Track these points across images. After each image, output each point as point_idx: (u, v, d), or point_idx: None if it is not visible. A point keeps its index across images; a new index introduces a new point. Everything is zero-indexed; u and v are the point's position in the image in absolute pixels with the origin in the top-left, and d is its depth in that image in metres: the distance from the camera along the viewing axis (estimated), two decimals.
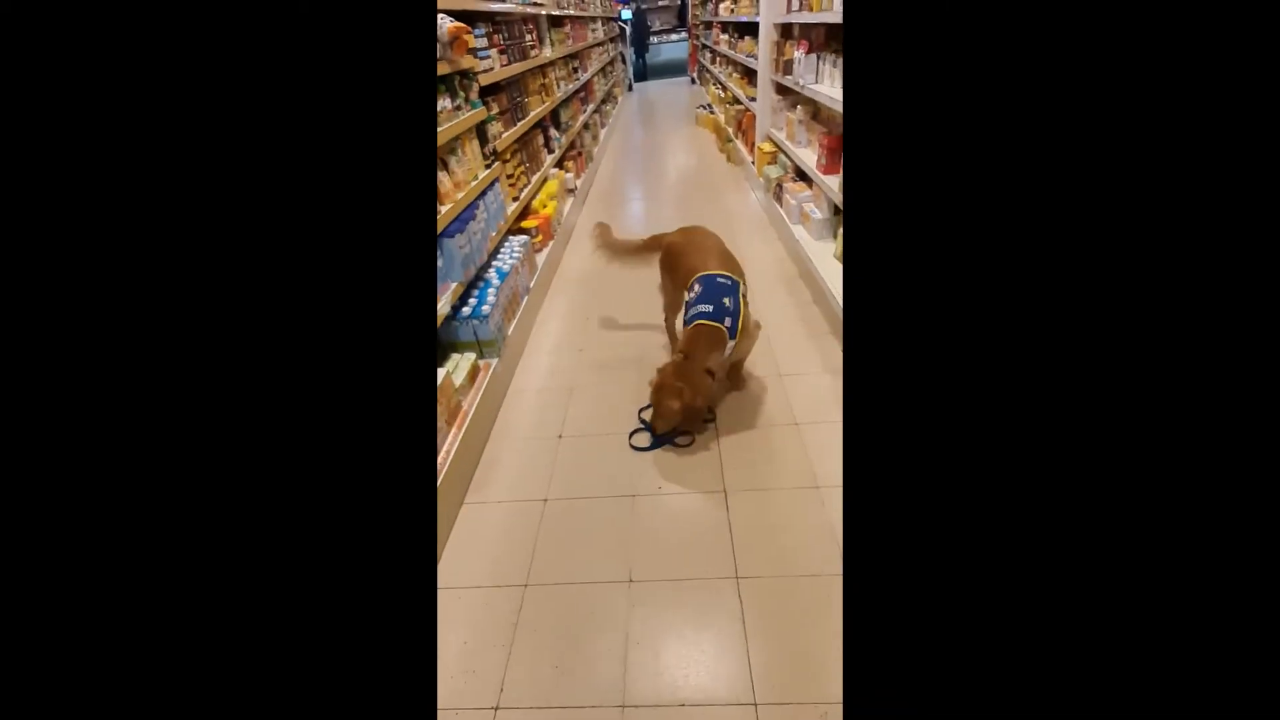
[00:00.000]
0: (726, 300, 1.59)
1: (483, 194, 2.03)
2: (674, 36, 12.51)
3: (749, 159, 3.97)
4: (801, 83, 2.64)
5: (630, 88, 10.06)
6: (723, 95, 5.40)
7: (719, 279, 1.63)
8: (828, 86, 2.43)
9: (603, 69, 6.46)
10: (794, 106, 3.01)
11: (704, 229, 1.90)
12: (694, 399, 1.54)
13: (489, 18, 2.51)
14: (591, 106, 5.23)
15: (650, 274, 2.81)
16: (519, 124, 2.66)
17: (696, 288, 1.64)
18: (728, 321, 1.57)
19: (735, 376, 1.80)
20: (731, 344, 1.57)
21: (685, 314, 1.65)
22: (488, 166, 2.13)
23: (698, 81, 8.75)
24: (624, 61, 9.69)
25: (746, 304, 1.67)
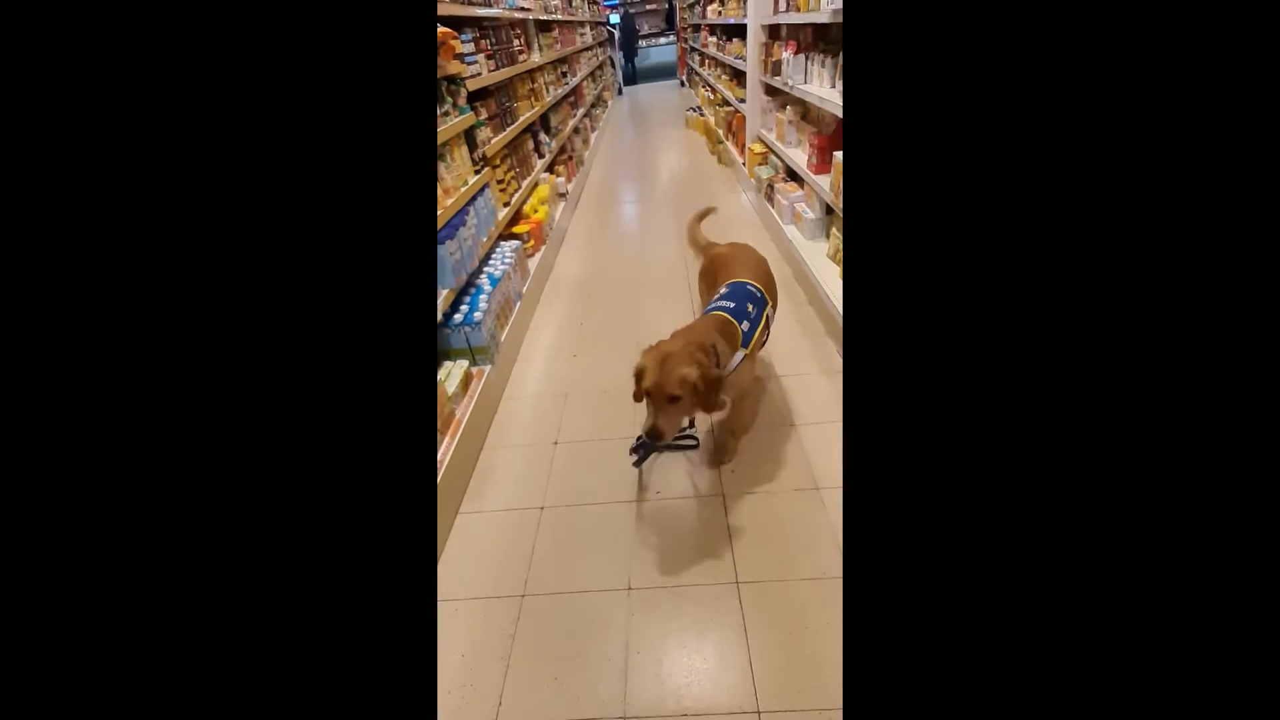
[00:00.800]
0: (750, 307, 1.46)
1: (473, 200, 2.01)
2: (662, 40, 12.56)
3: (740, 160, 3.98)
4: (790, 83, 2.64)
5: (620, 91, 10.08)
6: (712, 97, 5.41)
7: (749, 286, 1.52)
8: (817, 86, 2.43)
9: (591, 73, 6.47)
10: (784, 107, 3.01)
11: (752, 249, 1.77)
12: (709, 370, 1.22)
13: (476, 23, 2.50)
14: (581, 111, 5.23)
15: (643, 278, 2.80)
16: (508, 129, 2.64)
17: (724, 290, 1.53)
18: (745, 325, 1.41)
19: (725, 445, 1.57)
20: (741, 354, 1.38)
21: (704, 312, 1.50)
22: (477, 172, 2.11)
23: (687, 84, 8.78)
24: (613, 66, 9.71)
25: (767, 328, 1.53)
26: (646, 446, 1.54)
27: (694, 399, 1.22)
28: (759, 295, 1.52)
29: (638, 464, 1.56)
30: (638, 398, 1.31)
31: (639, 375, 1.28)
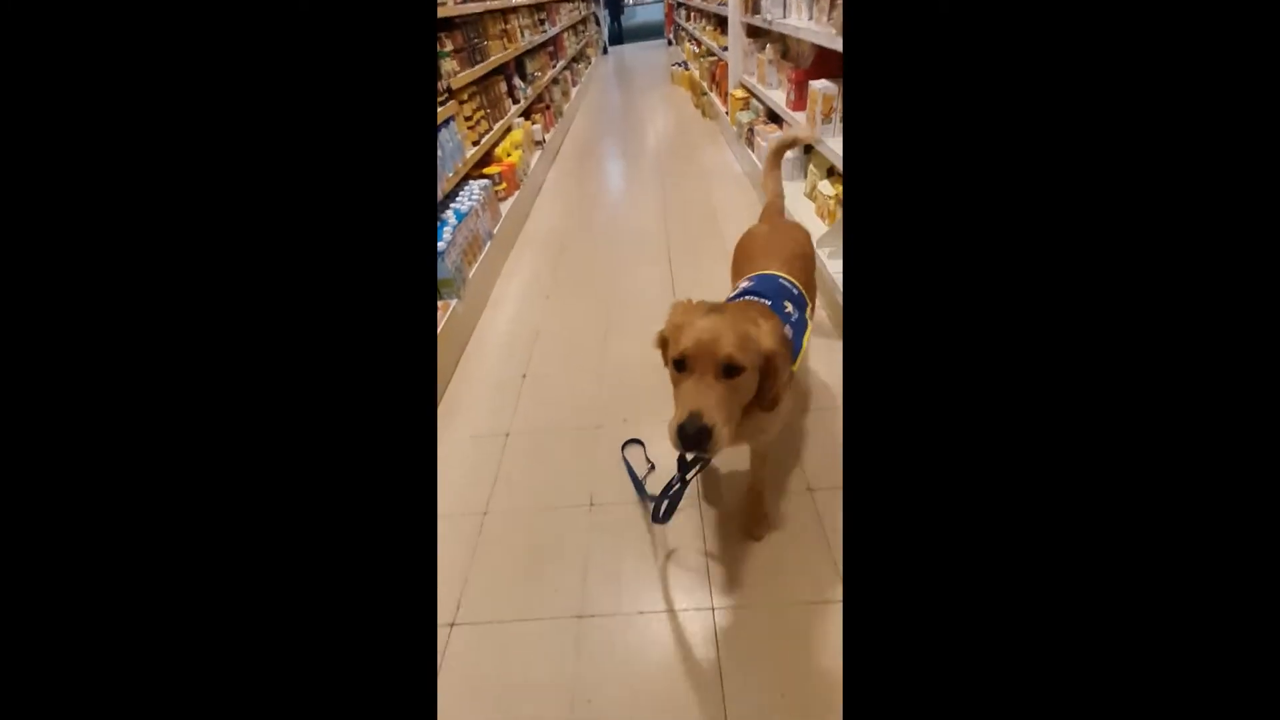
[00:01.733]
0: (788, 305, 1.01)
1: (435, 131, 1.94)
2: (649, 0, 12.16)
3: (723, 110, 3.88)
4: (769, 19, 2.56)
5: (605, 50, 9.78)
6: (697, 50, 5.26)
7: (782, 280, 1.07)
8: (795, 19, 2.35)
9: (573, 25, 6.25)
10: (764, 48, 2.92)
11: (793, 227, 1.31)
12: (786, 339, 0.84)
13: None
14: (561, 63, 5.06)
15: (620, 230, 2.75)
16: (477, 66, 2.54)
17: (747, 282, 1.09)
18: (786, 330, 0.91)
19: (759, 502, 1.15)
20: (790, 372, 0.86)
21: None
22: (441, 104, 2.03)
23: (674, 43, 8.53)
24: (597, 23, 9.39)
25: (808, 336, 1.08)
26: (672, 494, 1.05)
27: (755, 381, 0.79)
28: (797, 294, 1.06)
29: (664, 517, 1.06)
30: (664, 353, 0.86)
31: (669, 339, 0.82)
